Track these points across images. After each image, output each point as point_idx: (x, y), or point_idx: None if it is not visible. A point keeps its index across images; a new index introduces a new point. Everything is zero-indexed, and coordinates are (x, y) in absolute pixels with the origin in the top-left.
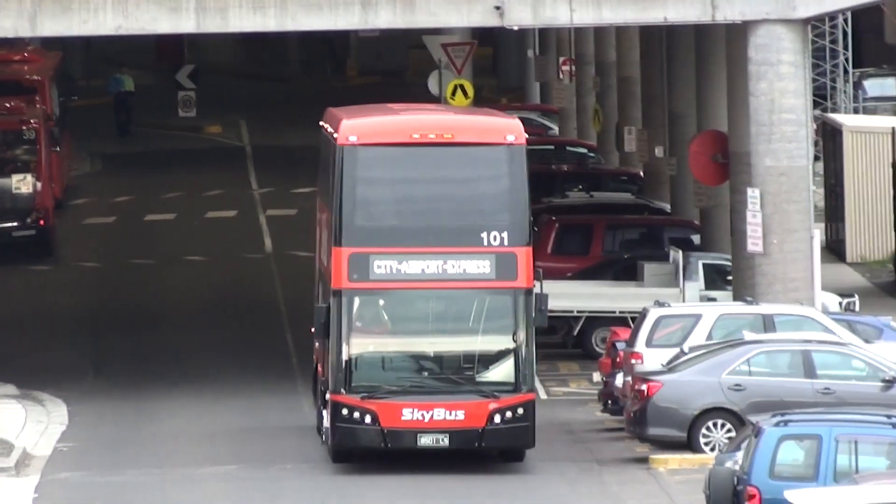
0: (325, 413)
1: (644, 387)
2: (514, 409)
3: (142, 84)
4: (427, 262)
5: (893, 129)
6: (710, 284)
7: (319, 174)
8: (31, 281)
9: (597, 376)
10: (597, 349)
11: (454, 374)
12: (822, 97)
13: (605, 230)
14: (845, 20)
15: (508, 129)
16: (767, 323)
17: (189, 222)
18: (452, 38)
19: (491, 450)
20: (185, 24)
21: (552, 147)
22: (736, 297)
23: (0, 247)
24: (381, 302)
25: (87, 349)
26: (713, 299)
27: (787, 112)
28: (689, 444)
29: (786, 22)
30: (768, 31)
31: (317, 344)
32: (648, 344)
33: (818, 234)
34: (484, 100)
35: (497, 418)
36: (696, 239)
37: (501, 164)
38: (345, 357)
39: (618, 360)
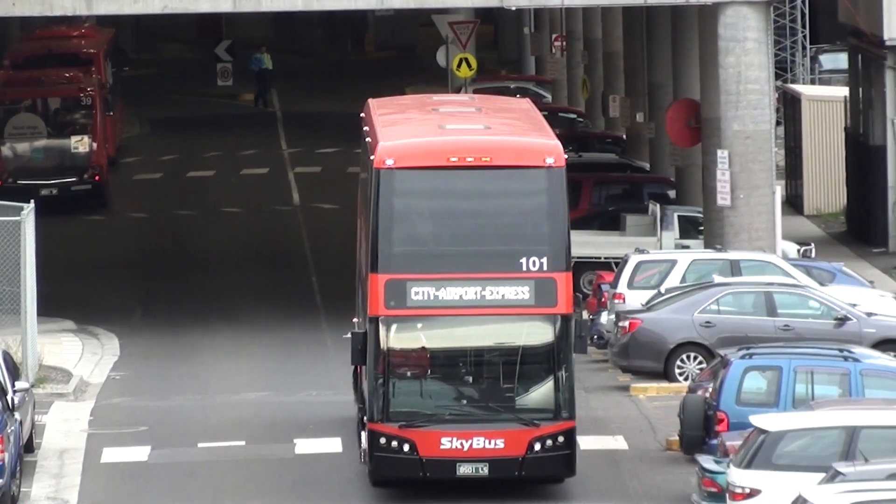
0: (363, 434)
1: (626, 323)
2: (554, 437)
3: (184, 57)
4: (465, 289)
5: (846, 98)
6: (684, 234)
7: (361, 174)
8: (87, 230)
9: (584, 314)
10: (584, 290)
11: (493, 401)
12: (782, 70)
13: (592, 186)
14: (803, 2)
15: (547, 150)
16: (734, 268)
17: (226, 178)
18: (458, 17)
19: (531, 479)
20: (223, 4)
21: (546, 113)
22: (707, 245)
23: (60, 199)
24: (419, 329)
25: (136, 290)
26: (687, 247)
27: (752, 83)
28: (665, 374)
29: (751, 4)
30: (736, 11)
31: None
32: (630, 286)
33: (779, 190)
34: (486, 71)
35: (537, 446)
36: (672, 194)
37: (540, 187)
38: (382, 385)
39: (603, 300)
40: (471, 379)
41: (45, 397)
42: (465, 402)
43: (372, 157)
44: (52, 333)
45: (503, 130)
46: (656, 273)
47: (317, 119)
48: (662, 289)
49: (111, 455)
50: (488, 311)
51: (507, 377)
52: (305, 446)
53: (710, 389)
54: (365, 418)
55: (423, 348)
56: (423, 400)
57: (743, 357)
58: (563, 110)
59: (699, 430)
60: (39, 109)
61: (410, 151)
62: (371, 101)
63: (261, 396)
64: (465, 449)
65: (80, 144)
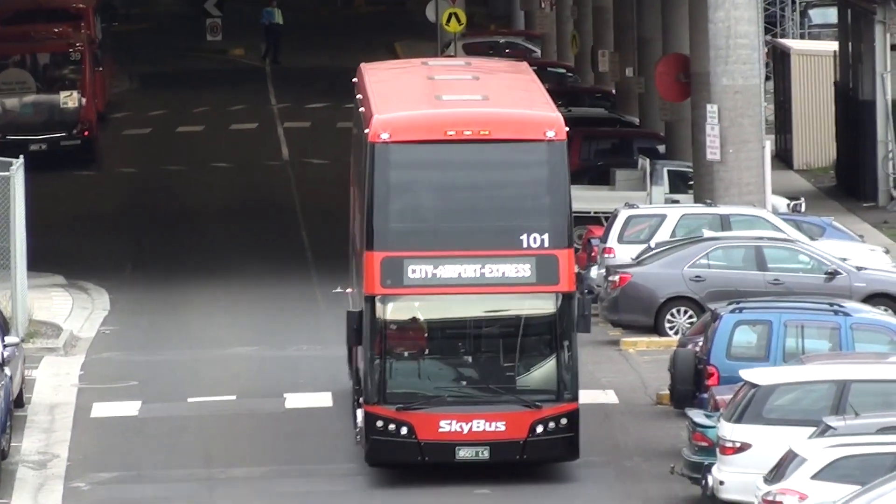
0: (358, 412)
1: (616, 278)
2: (557, 419)
3: (173, 12)
4: (464, 266)
5: (835, 52)
6: (673, 188)
7: (354, 142)
8: (76, 185)
9: (574, 269)
10: (575, 245)
11: (494, 383)
12: (772, 24)
13: (581, 140)
14: None
15: (548, 123)
16: (724, 222)
17: (215, 133)
18: None
19: (533, 462)
20: None
21: (535, 68)
22: (697, 200)
23: (49, 155)
24: (417, 308)
25: (126, 245)
26: (676, 201)
27: (742, 37)
28: (656, 329)
29: None
30: None
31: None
32: (620, 240)
33: (769, 145)
34: (476, 26)
35: (539, 429)
36: (662, 148)
37: (541, 161)
38: (379, 366)
39: (593, 254)
40: (470, 360)
41: (35, 352)
42: (464, 383)
43: (366, 131)
44: (42, 288)
45: (502, 101)
46: (646, 227)
47: (306, 74)
48: (652, 243)
49: (101, 410)
50: (488, 290)
51: (508, 358)
52: (295, 401)
53: (701, 344)
54: (361, 399)
55: (421, 328)
56: (422, 381)
57: (733, 311)
58: (553, 65)
59: (689, 385)
60: (28, 65)
61: (406, 125)
62: (363, 67)
63: (251, 351)
64: (465, 432)
65: (70, 100)
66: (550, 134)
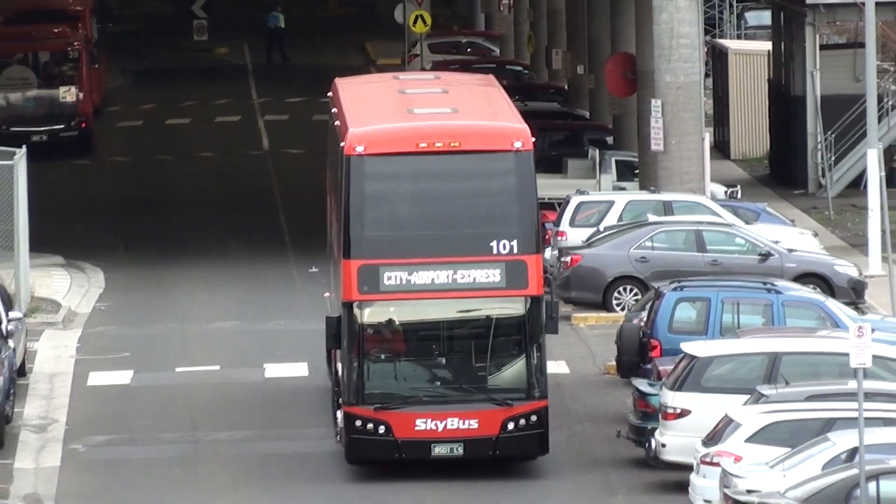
0: (338, 413)
1: (568, 259)
2: (527, 416)
3: (163, 13)
4: (437, 272)
5: (769, 52)
6: (620, 176)
7: (329, 152)
8: (74, 173)
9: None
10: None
11: (467, 382)
12: (711, 26)
13: (536, 132)
14: None
15: (515, 134)
16: (667, 208)
17: (201, 125)
18: None
19: (505, 458)
20: None
21: (494, 66)
22: (642, 187)
23: (49, 145)
24: (392, 313)
25: (118, 228)
26: (623, 188)
27: (684, 38)
28: (604, 305)
29: None
30: None
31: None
32: (571, 224)
33: (708, 137)
34: (440, 27)
35: (511, 426)
36: (610, 140)
37: (509, 170)
38: (357, 369)
39: (546, 237)
40: (444, 361)
41: (36, 326)
42: (438, 383)
43: (342, 144)
44: (42, 268)
45: (471, 114)
46: (595, 212)
47: (285, 71)
48: (601, 227)
49: (97, 379)
50: (460, 295)
51: (480, 358)
52: (274, 370)
53: (645, 319)
54: (340, 400)
55: (397, 332)
56: (398, 382)
57: (675, 289)
58: (510, 63)
59: (635, 356)
60: (30, 62)
61: (380, 137)
62: (338, 81)
63: (233, 325)
64: (440, 430)
65: (68, 94)
66: (518, 144)
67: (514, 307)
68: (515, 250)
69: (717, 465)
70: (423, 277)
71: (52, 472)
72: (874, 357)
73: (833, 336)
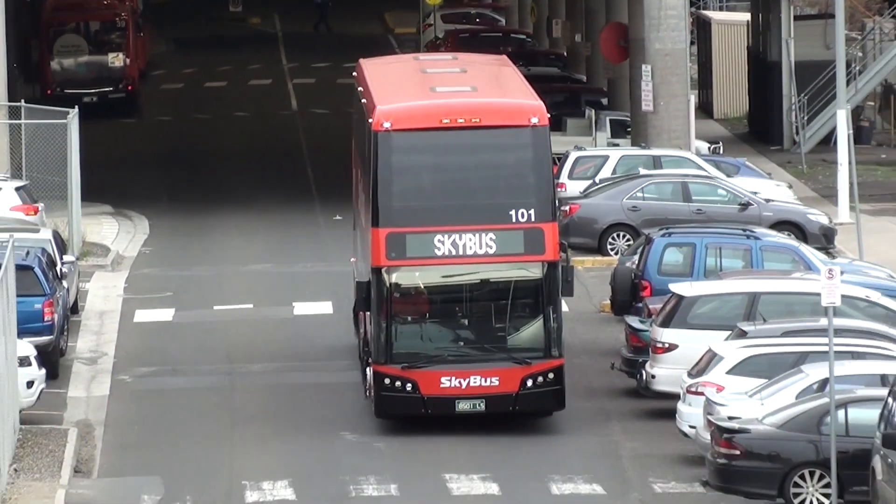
0: (367, 371)
1: (567, 208)
2: (545, 374)
3: None
4: (459, 240)
5: (748, 22)
6: (614, 134)
7: (354, 127)
8: (121, 130)
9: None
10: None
11: (488, 342)
12: None
13: (538, 94)
14: None
15: (532, 111)
16: (656, 162)
17: (236, 87)
18: None
19: (524, 413)
20: None
21: (500, 34)
22: (633, 144)
23: (99, 106)
24: (418, 277)
25: (162, 180)
26: (617, 145)
27: (671, 9)
28: (599, 249)
29: None
30: None
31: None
32: (570, 177)
33: (693, 98)
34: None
35: (529, 383)
36: (605, 101)
37: (526, 144)
38: (385, 329)
39: None
40: (467, 322)
41: (87, 268)
42: (462, 343)
43: (370, 120)
44: (93, 216)
45: (490, 92)
46: (592, 166)
47: (312, 38)
48: (597, 179)
49: (142, 316)
50: (481, 260)
51: (500, 320)
52: (302, 308)
53: (636, 262)
54: (370, 359)
55: (423, 295)
56: (424, 343)
57: (663, 235)
58: (515, 32)
59: (627, 296)
60: (82, 31)
61: (406, 114)
62: (362, 62)
63: (265, 267)
64: (464, 387)
65: (116, 60)
66: (534, 120)
67: (531, 272)
68: (533, 219)
69: (702, 394)
70: (446, 244)
71: (101, 400)
72: (843, 297)
73: (806, 278)
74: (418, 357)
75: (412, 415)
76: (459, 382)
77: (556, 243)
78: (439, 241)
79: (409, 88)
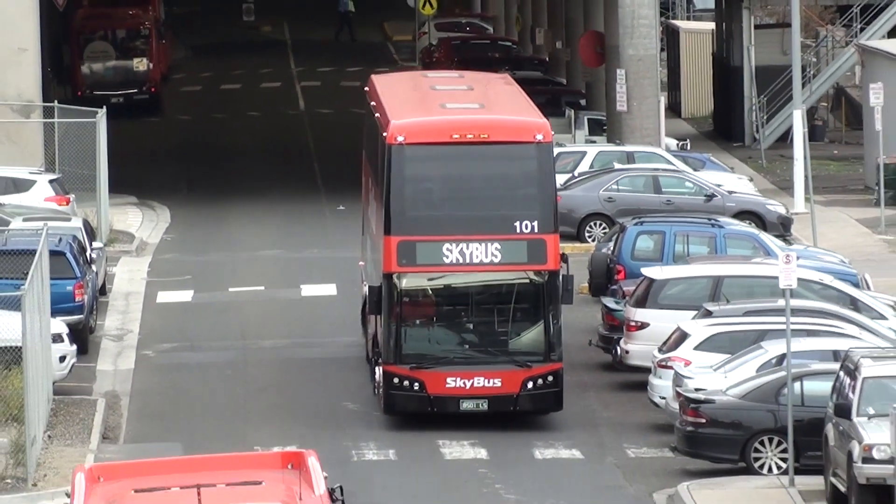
0: (377, 370)
1: None
2: (544, 377)
3: None
4: (467, 248)
5: (713, 30)
6: (592, 132)
7: (365, 140)
8: (145, 128)
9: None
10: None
11: (492, 346)
12: (665, 9)
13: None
14: None
15: (537, 128)
16: (630, 157)
17: (249, 89)
18: None
19: (524, 413)
20: None
21: (488, 41)
22: (609, 140)
23: (125, 106)
24: (427, 283)
25: (182, 173)
26: (594, 142)
27: (643, 19)
28: (578, 237)
29: None
30: None
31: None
32: None
33: (663, 99)
34: (444, 9)
35: (530, 385)
36: (583, 102)
37: (531, 159)
38: (395, 332)
39: None
40: (472, 326)
41: (114, 254)
42: (467, 346)
43: (384, 134)
44: (119, 206)
45: (497, 109)
46: (571, 161)
47: (318, 45)
48: (576, 173)
49: (164, 297)
50: (487, 268)
51: (504, 325)
52: (309, 290)
53: (612, 248)
54: (380, 359)
55: (431, 300)
56: (431, 345)
57: (636, 224)
58: (501, 39)
59: (603, 279)
60: (110, 38)
61: (419, 129)
62: (374, 78)
63: (275, 253)
64: (468, 387)
65: (140, 64)
66: (539, 137)
67: (534, 280)
68: (536, 230)
69: (671, 368)
70: (454, 252)
71: (127, 373)
72: (799, 280)
73: (765, 262)
74: (426, 358)
75: (418, 412)
76: (464, 383)
77: (558, 253)
78: (447, 249)
79: (420, 104)
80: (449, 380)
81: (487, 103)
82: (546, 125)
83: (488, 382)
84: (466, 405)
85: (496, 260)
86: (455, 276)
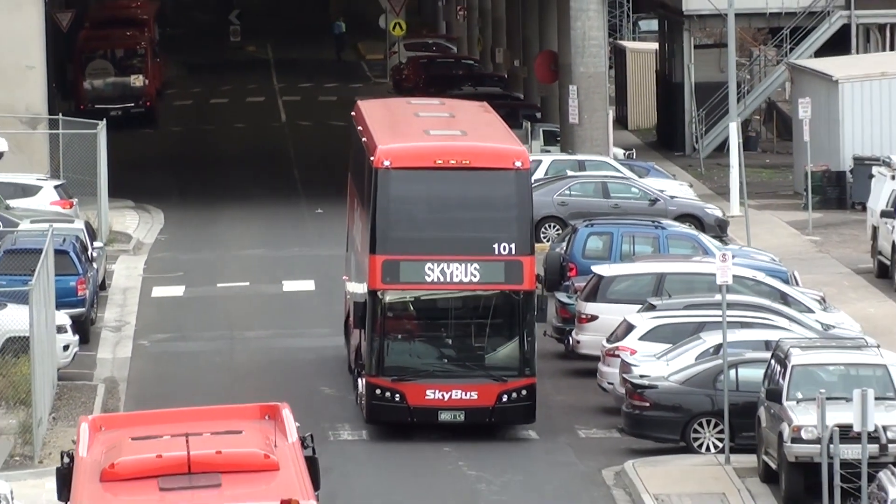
0: (360, 381)
1: None
2: (518, 390)
3: (207, 21)
4: (447, 268)
5: (656, 50)
6: (546, 142)
7: (351, 161)
8: (141, 139)
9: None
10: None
11: (469, 361)
12: (613, 30)
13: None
14: None
15: (516, 155)
16: (581, 165)
17: (236, 104)
18: None
19: (499, 424)
20: None
21: (452, 60)
22: (562, 150)
23: (123, 118)
24: (409, 300)
25: (175, 179)
26: (548, 151)
27: (593, 40)
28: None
29: None
30: None
31: (348, 293)
32: None
33: (611, 113)
34: (413, 31)
35: (505, 398)
36: (538, 115)
37: (510, 185)
38: (378, 346)
39: None
40: (451, 342)
41: (113, 252)
42: (446, 360)
43: (371, 158)
44: (118, 209)
45: (478, 136)
46: None
47: (297, 63)
48: (531, 179)
49: (159, 292)
50: (466, 287)
51: (481, 341)
52: (290, 286)
53: (565, 248)
54: (363, 371)
55: (413, 316)
56: (412, 358)
57: (586, 226)
58: (464, 58)
59: (557, 276)
60: (109, 57)
61: (404, 154)
62: (360, 104)
63: (259, 251)
64: (446, 399)
65: (137, 81)
66: (518, 164)
67: (510, 299)
68: (513, 252)
69: (618, 356)
70: (435, 272)
71: (124, 361)
72: (734, 277)
73: (704, 261)
74: (407, 371)
75: (399, 422)
76: (442, 395)
77: (533, 274)
78: (429, 268)
79: (405, 130)
80: (428, 392)
81: (469, 130)
82: (524, 153)
83: (465, 395)
84: (444, 416)
85: (475, 280)
86: (436, 293)
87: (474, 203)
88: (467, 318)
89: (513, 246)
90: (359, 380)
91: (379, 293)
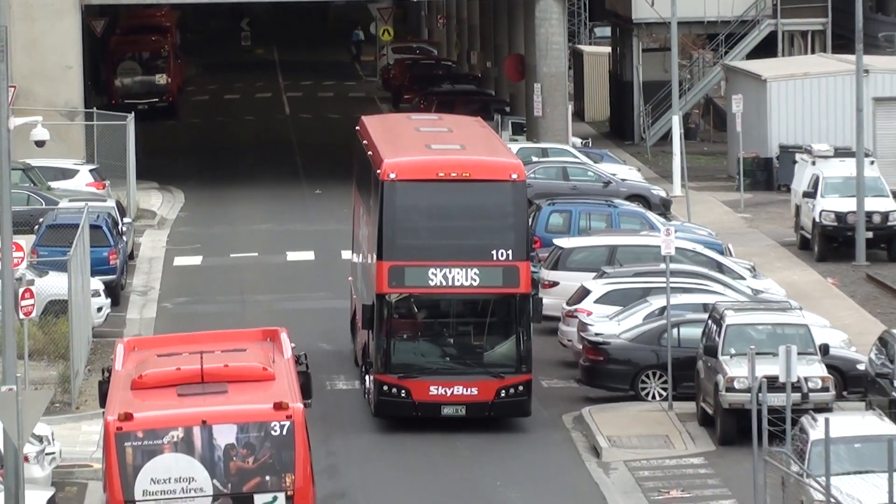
0: (367, 378)
1: None
2: (516, 386)
3: (222, 27)
4: (449, 273)
5: (609, 53)
6: (515, 132)
7: (356, 172)
8: (165, 129)
9: (531, 276)
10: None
11: (469, 359)
12: (572, 36)
13: (461, 103)
14: None
15: (513, 168)
16: (544, 152)
17: (247, 98)
18: (384, 4)
19: (497, 417)
20: None
21: (433, 61)
22: (528, 140)
23: (149, 112)
24: (414, 303)
25: (194, 164)
26: (516, 140)
27: (555, 45)
28: None
29: (555, 0)
30: (545, 4)
31: (354, 295)
32: None
33: (570, 107)
34: (399, 36)
35: (503, 393)
36: (508, 109)
37: (507, 196)
38: (385, 345)
39: None
40: (452, 341)
41: (140, 227)
42: (448, 359)
43: (378, 171)
44: (144, 190)
45: (476, 150)
46: None
47: (300, 64)
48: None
49: (180, 262)
50: (467, 291)
51: (480, 340)
52: (293, 256)
53: (530, 224)
54: (371, 368)
55: (417, 318)
56: (417, 357)
57: (549, 204)
58: (444, 60)
59: None
60: (137, 58)
61: (409, 167)
62: (365, 119)
63: (267, 226)
64: (448, 395)
65: (161, 79)
66: (514, 176)
67: (507, 301)
68: (511, 257)
69: (576, 317)
70: (438, 276)
71: (150, 321)
72: (676, 248)
73: (650, 235)
74: (412, 368)
75: (405, 416)
76: (445, 391)
77: (529, 278)
78: (432, 273)
79: (408, 145)
80: (432, 388)
81: (467, 144)
82: (520, 165)
83: (466, 391)
84: (447, 410)
85: (475, 283)
86: (438, 297)
87: (474, 212)
88: (468, 320)
89: (510, 252)
90: (366, 376)
91: (386, 297)
